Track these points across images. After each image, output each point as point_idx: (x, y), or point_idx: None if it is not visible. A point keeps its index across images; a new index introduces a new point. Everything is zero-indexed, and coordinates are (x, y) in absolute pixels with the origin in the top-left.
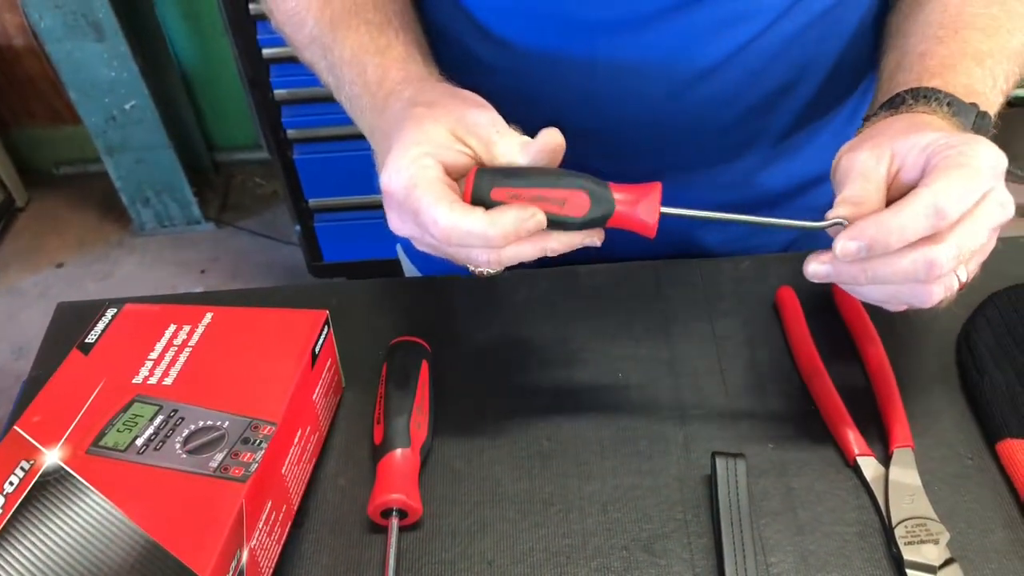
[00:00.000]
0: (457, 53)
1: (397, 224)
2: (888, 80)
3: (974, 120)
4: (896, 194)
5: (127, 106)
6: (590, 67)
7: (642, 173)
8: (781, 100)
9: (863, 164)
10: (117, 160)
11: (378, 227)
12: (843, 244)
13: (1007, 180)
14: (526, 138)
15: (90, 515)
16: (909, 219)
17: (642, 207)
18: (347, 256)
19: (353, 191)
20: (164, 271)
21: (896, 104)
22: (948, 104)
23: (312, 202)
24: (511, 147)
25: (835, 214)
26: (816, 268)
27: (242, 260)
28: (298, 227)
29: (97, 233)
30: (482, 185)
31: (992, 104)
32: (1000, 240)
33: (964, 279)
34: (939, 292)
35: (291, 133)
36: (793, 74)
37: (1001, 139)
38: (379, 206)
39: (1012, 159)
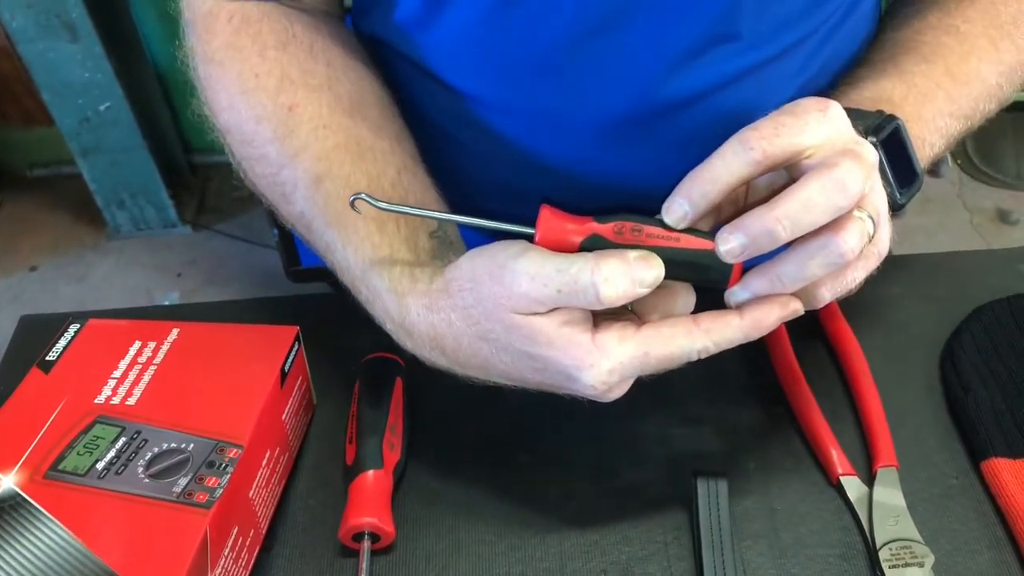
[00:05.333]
0: (446, 141)
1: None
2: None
3: (873, 123)
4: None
5: (102, 107)
6: (601, 163)
7: None
8: None
9: None
10: (91, 162)
11: None
12: (665, 214)
13: (989, 184)
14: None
15: (46, 545)
16: (716, 159)
17: None
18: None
19: None
20: (140, 275)
21: None
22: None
23: None
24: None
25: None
26: (729, 241)
27: (219, 264)
28: (275, 230)
29: (71, 236)
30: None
31: (904, 107)
32: (983, 253)
33: (872, 229)
34: (853, 241)
35: None
36: None
37: (980, 144)
38: None
39: (990, 163)
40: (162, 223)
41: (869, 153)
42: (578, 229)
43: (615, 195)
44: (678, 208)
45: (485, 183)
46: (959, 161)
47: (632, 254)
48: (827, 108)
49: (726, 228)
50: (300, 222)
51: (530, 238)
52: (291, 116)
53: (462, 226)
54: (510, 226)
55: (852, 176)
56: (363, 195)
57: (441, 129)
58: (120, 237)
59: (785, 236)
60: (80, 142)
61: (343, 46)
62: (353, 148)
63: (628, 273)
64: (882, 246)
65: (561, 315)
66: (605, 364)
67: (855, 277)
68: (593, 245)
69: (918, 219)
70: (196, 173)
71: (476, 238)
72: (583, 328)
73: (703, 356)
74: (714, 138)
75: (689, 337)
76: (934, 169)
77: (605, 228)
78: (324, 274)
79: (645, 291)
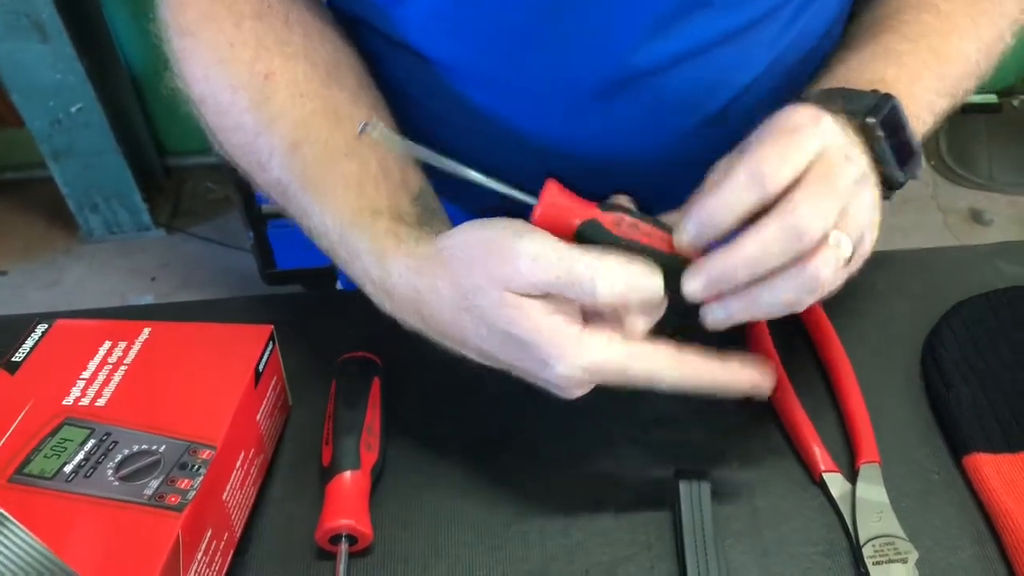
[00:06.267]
0: (421, 114)
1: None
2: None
3: (871, 104)
4: None
5: (73, 109)
6: (575, 132)
7: None
8: None
9: (716, 171)
10: (63, 165)
11: None
12: (678, 236)
13: (962, 185)
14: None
15: (11, 551)
16: (729, 192)
17: None
18: (301, 263)
19: None
20: (113, 279)
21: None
22: (842, 97)
23: (265, 208)
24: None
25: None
26: (690, 284)
27: (193, 267)
28: (251, 233)
29: (43, 240)
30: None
31: (897, 86)
32: (962, 249)
33: (849, 251)
34: (826, 271)
35: None
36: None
37: (953, 145)
38: None
39: (963, 164)
40: (136, 226)
41: (853, 170)
42: (579, 211)
43: (590, 166)
44: (688, 234)
45: (462, 157)
46: (933, 162)
47: (636, 260)
48: (820, 121)
49: (689, 270)
50: (276, 189)
51: (530, 207)
52: (267, 84)
53: (470, 181)
54: (514, 191)
55: (811, 221)
56: (376, 123)
57: (415, 100)
58: (93, 241)
59: (745, 279)
60: (51, 144)
61: (319, 18)
62: (331, 115)
63: (626, 277)
64: (865, 250)
65: (554, 303)
66: (584, 360)
67: (836, 282)
68: (590, 230)
69: (893, 219)
70: (170, 176)
71: (459, 216)
72: (572, 320)
73: (670, 389)
74: (687, 108)
75: (671, 367)
76: None
77: (606, 217)
78: (300, 276)
79: (637, 298)
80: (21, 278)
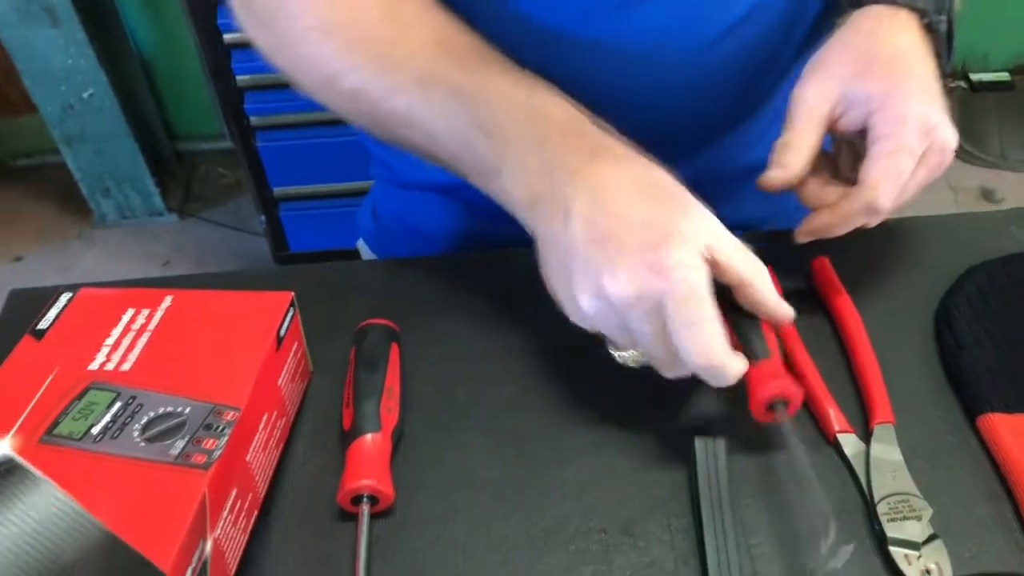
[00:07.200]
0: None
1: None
2: None
3: (936, 3)
4: (840, 128)
5: (85, 95)
6: (590, 44)
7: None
8: (781, 63)
9: (811, 102)
10: (76, 150)
11: (344, 216)
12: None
13: (973, 164)
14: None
15: (43, 507)
16: (844, 218)
17: None
18: (313, 246)
19: (318, 179)
20: (126, 264)
21: (859, 2)
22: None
23: (277, 191)
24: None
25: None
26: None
27: (206, 251)
28: (263, 217)
29: (56, 226)
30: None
31: None
32: (977, 215)
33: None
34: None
35: (254, 120)
36: (791, 34)
37: (964, 123)
38: (344, 194)
39: (975, 142)
40: (148, 211)
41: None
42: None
43: (630, 64)
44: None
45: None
46: None
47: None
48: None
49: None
50: (407, 87)
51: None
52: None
53: None
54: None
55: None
56: None
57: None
58: (106, 226)
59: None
60: (63, 130)
61: None
62: (458, 24)
63: (774, 294)
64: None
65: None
66: (686, 266)
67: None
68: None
69: None
70: (182, 161)
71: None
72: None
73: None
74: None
75: (702, 336)
76: None
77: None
78: (312, 259)
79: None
80: (35, 263)
